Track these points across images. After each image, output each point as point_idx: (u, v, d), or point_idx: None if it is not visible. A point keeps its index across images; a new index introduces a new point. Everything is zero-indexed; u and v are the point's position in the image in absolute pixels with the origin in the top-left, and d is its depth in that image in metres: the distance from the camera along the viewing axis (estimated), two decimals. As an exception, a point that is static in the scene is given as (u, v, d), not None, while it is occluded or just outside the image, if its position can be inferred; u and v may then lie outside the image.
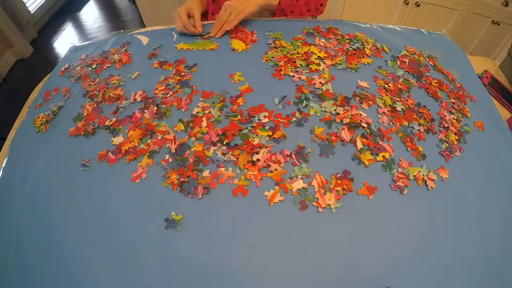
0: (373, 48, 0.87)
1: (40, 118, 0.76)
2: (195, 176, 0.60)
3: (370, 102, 0.72)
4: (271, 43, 0.87)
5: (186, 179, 0.59)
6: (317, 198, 0.57)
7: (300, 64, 0.79)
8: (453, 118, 0.74)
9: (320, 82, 0.75)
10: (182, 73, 0.79)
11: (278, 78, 0.76)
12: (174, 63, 0.83)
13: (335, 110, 0.69)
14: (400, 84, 0.78)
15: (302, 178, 0.59)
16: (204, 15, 1.10)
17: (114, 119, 0.71)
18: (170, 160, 0.62)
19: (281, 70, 0.77)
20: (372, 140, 0.65)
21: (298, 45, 0.85)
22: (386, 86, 0.77)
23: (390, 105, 0.72)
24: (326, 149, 0.63)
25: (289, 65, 0.79)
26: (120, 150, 0.65)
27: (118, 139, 0.67)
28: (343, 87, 0.75)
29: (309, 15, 1.08)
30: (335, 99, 0.72)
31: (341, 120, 0.68)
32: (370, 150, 0.63)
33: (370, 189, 0.59)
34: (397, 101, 0.73)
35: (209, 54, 0.85)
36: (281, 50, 0.83)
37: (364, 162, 0.62)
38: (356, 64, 0.81)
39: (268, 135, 0.65)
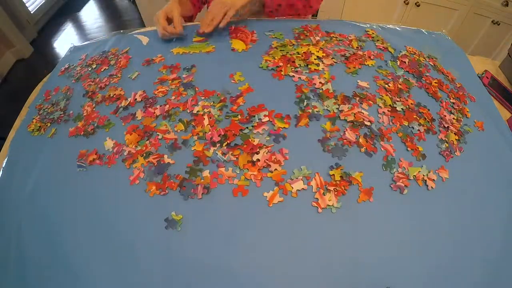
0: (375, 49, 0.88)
1: (34, 123, 0.76)
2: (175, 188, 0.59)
3: (370, 102, 0.72)
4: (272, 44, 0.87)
5: (166, 191, 0.59)
6: (316, 198, 0.57)
7: (300, 64, 0.79)
8: (453, 118, 0.74)
9: (320, 82, 0.75)
10: (184, 75, 0.79)
11: (278, 78, 0.76)
12: (170, 68, 0.82)
13: (337, 108, 0.70)
14: (400, 84, 0.78)
15: (302, 180, 0.59)
16: (190, 19, 1.10)
17: (112, 114, 0.72)
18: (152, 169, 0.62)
19: (281, 70, 0.77)
20: (374, 140, 0.65)
21: (298, 44, 0.85)
22: (386, 86, 0.77)
23: (390, 105, 0.72)
24: (337, 151, 0.63)
25: (289, 65, 0.79)
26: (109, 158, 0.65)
27: (109, 143, 0.67)
28: (343, 87, 0.75)
29: (300, 13, 1.07)
30: (335, 98, 0.72)
31: (345, 118, 0.68)
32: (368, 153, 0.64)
33: (367, 191, 0.59)
34: (397, 101, 0.73)
35: (210, 54, 0.85)
36: (281, 50, 0.83)
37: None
38: (353, 68, 0.80)
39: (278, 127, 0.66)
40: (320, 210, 0.56)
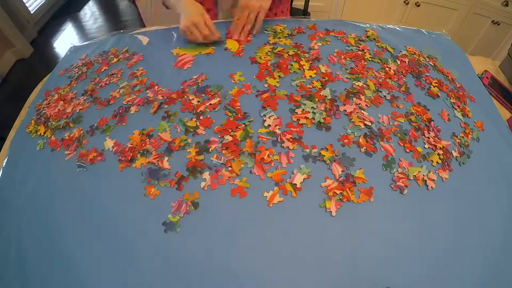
0: (375, 50, 0.88)
1: (32, 125, 0.76)
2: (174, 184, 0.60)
3: (359, 94, 0.73)
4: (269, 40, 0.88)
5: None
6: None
7: (291, 66, 0.79)
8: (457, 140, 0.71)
9: (314, 87, 0.74)
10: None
11: (270, 106, 0.71)
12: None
13: (323, 112, 0.69)
14: (391, 76, 0.79)
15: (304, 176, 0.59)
16: None
17: (112, 119, 0.71)
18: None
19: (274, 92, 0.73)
20: (374, 140, 0.65)
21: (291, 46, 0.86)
22: (374, 73, 0.79)
23: (373, 90, 0.74)
24: (345, 161, 0.62)
25: (276, 71, 0.78)
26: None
27: (109, 143, 0.67)
28: (340, 88, 0.75)
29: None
30: (324, 101, 0.71)
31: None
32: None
33: (367, 191, 0.59)
34: (381, 87, 0.76)
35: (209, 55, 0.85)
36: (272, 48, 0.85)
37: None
38: (356, 76, 0.79)
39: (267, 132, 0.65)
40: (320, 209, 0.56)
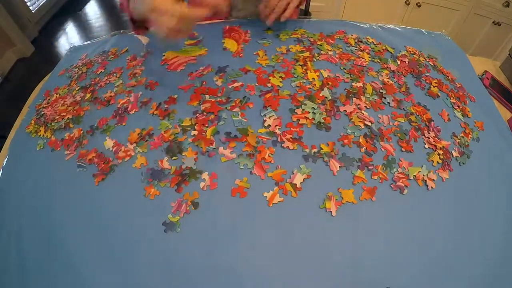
0: (376, 50, 0.88)
1: (32, 125, 0.76)
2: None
3: (359, 94, 0.73)
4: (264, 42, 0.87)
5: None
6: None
7: (295, 70, 0.78)
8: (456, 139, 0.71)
9: (314, 84, 0.74)
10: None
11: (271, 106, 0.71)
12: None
13: (323, 113, 0.69)
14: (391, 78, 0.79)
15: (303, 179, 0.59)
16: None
17: (112, 119, 0.71)
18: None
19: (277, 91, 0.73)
20: (374, 140, 0.65)
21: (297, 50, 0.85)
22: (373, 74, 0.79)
23: (372, 94, 0.74)
24: (346, 161, 0.62)
25: (275, 72, 0.77)
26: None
27: (109, 143, 0.67)
28: (338, 89, 0.75)
29: None
30: (324, 103, 0.71)
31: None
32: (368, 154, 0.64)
33: (370, 190, 0.59)
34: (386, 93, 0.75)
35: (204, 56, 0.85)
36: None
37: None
38: (356, 78, 0.78)
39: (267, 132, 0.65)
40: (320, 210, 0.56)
